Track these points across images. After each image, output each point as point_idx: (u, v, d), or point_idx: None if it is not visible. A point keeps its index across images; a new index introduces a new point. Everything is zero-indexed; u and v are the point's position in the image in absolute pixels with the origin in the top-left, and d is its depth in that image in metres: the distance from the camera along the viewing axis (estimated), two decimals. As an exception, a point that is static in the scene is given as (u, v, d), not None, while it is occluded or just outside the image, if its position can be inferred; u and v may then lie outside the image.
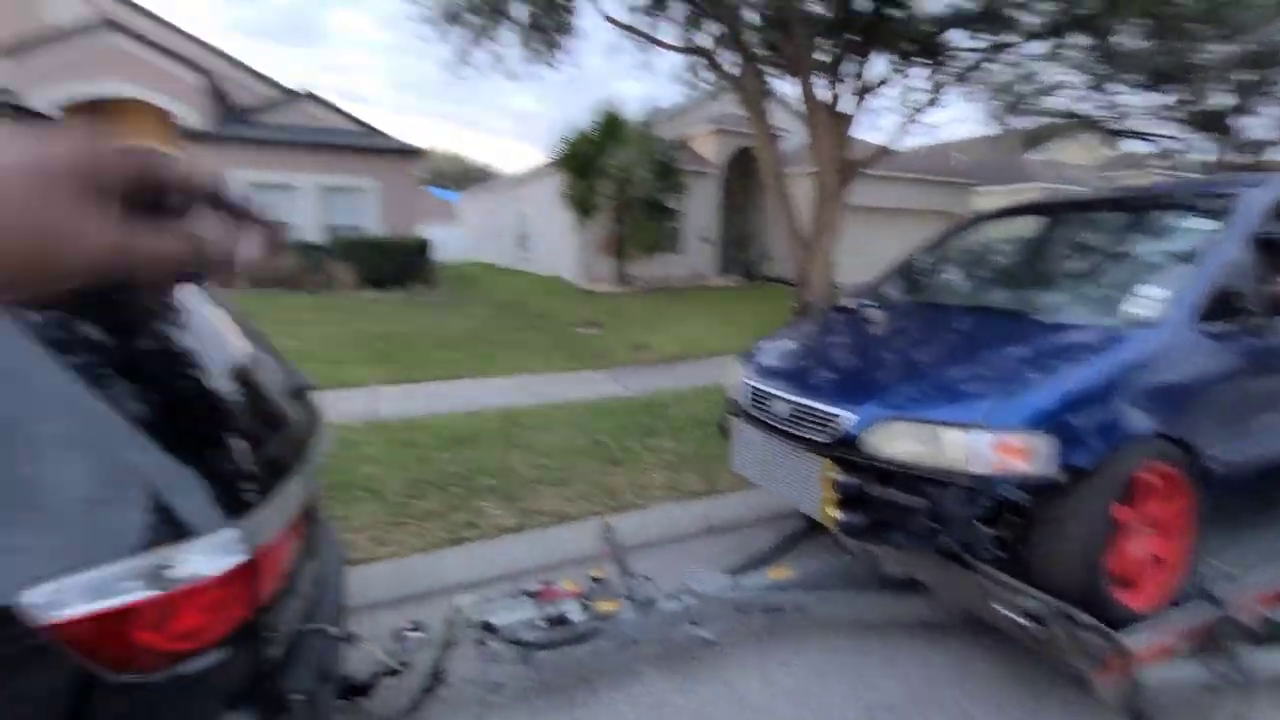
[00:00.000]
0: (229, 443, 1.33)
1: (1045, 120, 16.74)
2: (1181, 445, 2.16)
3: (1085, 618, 2.01)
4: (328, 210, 13.80)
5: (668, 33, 10.76)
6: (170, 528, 1.10)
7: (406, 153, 14.63)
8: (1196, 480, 2.20)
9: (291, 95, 14.69)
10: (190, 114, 12.45)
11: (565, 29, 10.53)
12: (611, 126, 13.40)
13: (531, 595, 2.31)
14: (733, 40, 9.37)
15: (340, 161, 13.71)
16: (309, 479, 1.84)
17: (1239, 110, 14.15)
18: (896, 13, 9.11)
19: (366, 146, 14.08)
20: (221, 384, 1.46)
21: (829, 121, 9.30)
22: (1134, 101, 15.57)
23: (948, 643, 2.67)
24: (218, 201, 0.37)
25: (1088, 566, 2.00)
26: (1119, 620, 2.07)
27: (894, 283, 3.39)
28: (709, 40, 10.52)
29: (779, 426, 2.57)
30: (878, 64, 9.85)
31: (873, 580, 2.81)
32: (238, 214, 0.38)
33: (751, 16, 9.35)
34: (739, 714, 2.29)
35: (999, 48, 9.87)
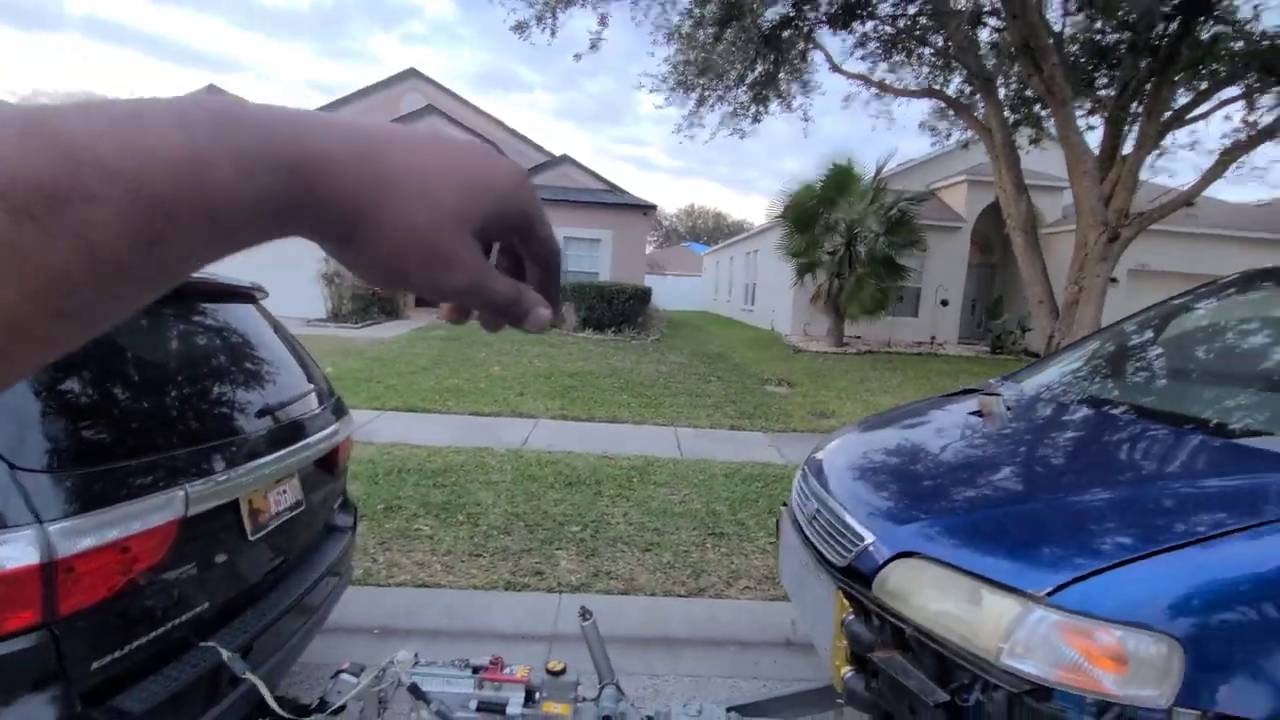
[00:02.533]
0: (79, 447, 1.39)
1: None
2: None
3: None
4: (569, 257, 15.44)
5: (907, 78, 9.92)
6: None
7: (639, 208, 15.75)
8: None
9: (553, 158, 16.92)
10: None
11: (798, 78, 10.34)
12: (839, 178, 12.70)
13: (475, 670, 2.08)
14: (971, 76, 8.22)
15: (582, 215, 15.29)
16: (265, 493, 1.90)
17: None
18: (1212, 30, 7.09)
19: (605, 202, 15.50)
20: (112, 395, 1.56)
21: (1094, 166, 7.53)
22: None
23: None
24: (549, 267, 0.40)
25: None
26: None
27: (1063, 366, 2.40)
28: (950, 81, 9.42)
29: (807, 535, 1.96)
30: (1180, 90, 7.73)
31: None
32: (551, 282, 0.40)
33: (984, 47, 8.10)
34: None
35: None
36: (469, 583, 3.37)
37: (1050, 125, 8.91)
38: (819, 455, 2.29)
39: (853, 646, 1.59)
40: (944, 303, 15.34)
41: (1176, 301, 2.47)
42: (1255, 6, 7.07)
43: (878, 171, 13.02)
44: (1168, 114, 7.64)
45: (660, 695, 2.74)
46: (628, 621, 3.17)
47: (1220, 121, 7.90)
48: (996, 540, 1.41)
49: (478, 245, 0.34)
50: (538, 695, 2.02)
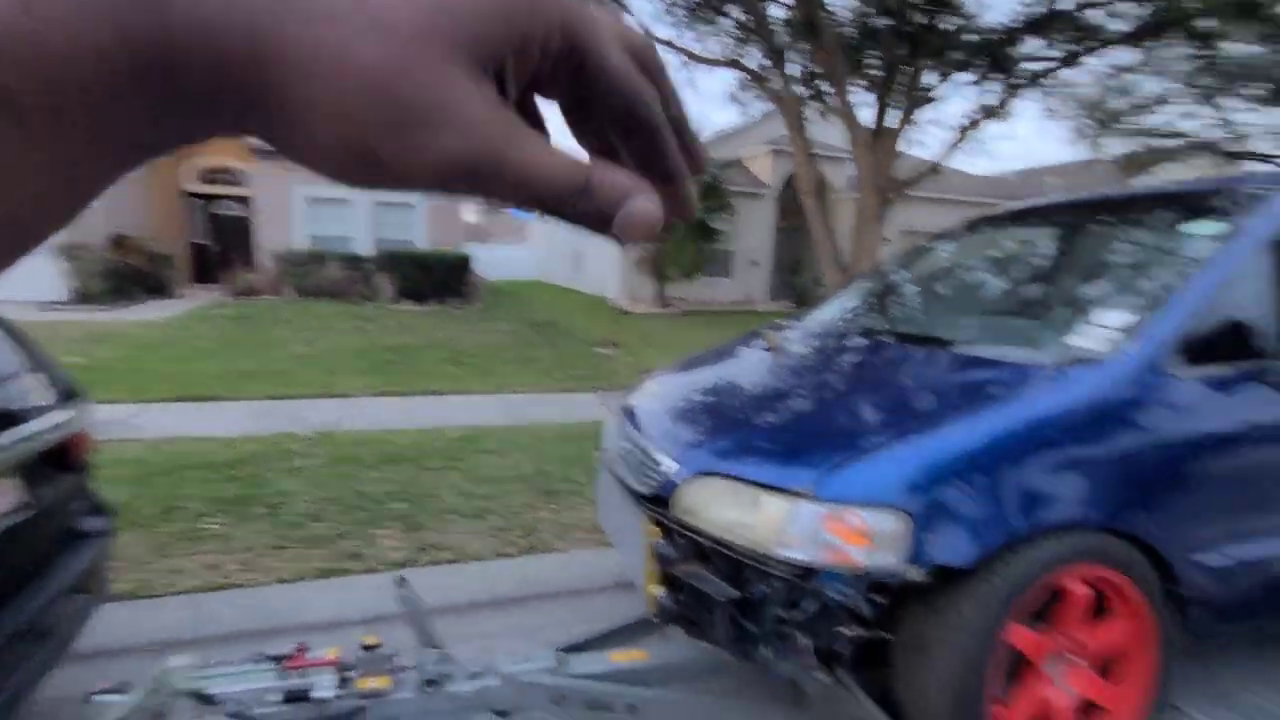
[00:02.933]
0: None
1: (1147, 141, 15.06)
2: (1138, 545, 1.48)
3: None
4: (379, 224, 14.24)
5: (714, 48, 10.41)
6: None
7: (456, 170, 14.89)
8: (1161, 596, 1.50)
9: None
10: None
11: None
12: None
13: (275, 660, 1.90)
14: (766, 51, 8.87)
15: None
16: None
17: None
18: (950, 22, 8.34)
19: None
20: None
21: (868, 138, 8.57)
22: (1254, 120, 13.69)
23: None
24: (640, 122, 0.25)
25: (959, 710, 1.37)
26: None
27: (835, 304, 2.77)
28: (752, 54, 10.07)
29: (617, 472, 2.05)
30: (931, 75, 9.03)
31: (751, 679, 2.22)
32: (650, 148, 0.25)
33: (777, 24, 8.81)
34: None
35: (1073, 56, 8.82)
36: (274, 577, 3.05)
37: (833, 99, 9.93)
38: (628, 400, 2.39)
39: (661, 567, 1.69)
40: (754, 263, 16.68)
41: (919, 246, 2.93)
42: (981, 4, 8.45)
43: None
44: (920, 93, 8.90)
45: (491, 654, 2.74)
46: (459, 589, 3.10)
47: (958, 102, 9.41)
48: (771, 451, 1.58)
49: (488, 86, 0.22)
50: (352, 674, 1.90)
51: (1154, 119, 14.23)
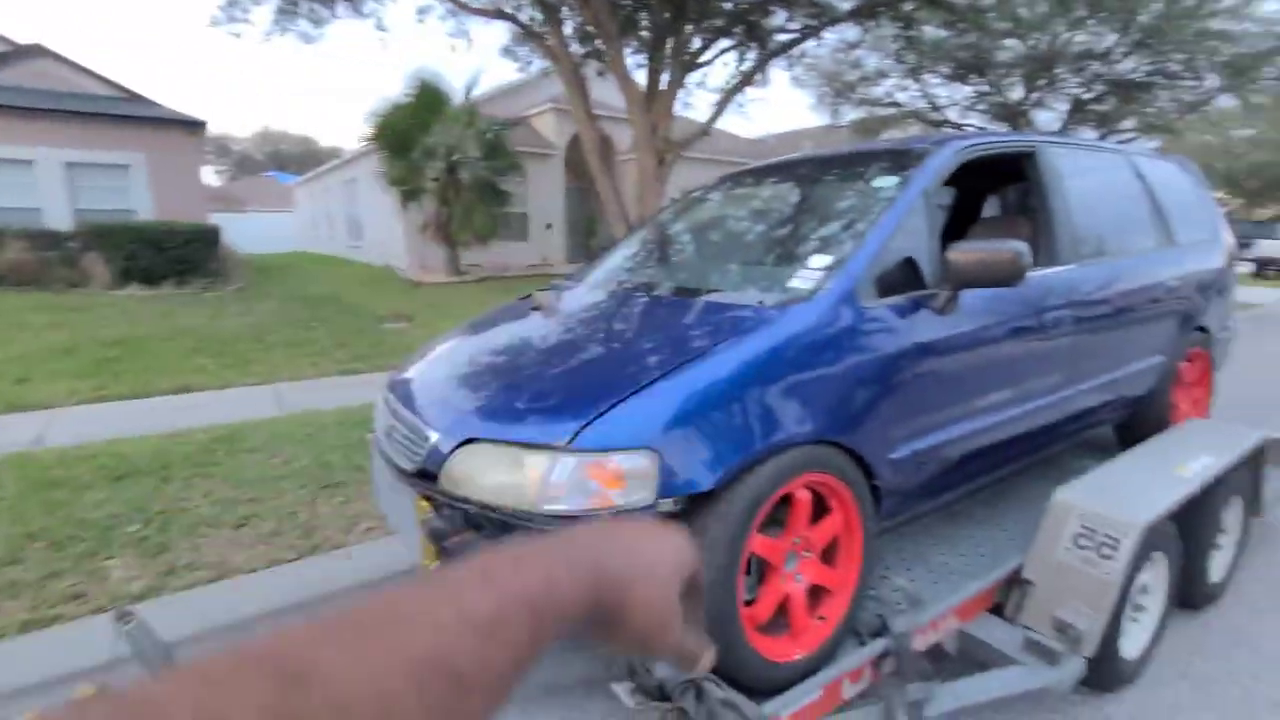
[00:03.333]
0: None
1: (873, 110, 17.64)
2: (844, 450, 1.77)
3: (714, 689, 1.55)
4: (77, 191, 11.47)
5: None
6: None
7: (180, 124, 12.48)
8: (865, 490, 1.82)
9: (17, 49, 12.01)
10: None
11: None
12: (428, 99, 12.21)
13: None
14: (539, 4, 8.64)
15: (91, 133, 11.39)
16: None
17: (1035, 103, 15.53)
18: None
19: (126, 115, 11.81)
20: None
21: (642, 99, 8.86)
22: (945, 93, 16.74)
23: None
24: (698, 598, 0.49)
25: (719, 617, 1.54)
26: (769, 680, 1.65)
27: (601, 262, 2.87)
28: (521, 6, 9.73)
29: (385, 450, 1.93)
30: (697, 40, 9.53)
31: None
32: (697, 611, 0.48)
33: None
34: None
35: (811, 30, 9.91)
36: (-52, 646, 2.41)
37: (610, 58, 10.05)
38: (394, 375, 2.24)
39: (433, 543, 1.63)
40: (548, 226, 16.59)
41: (675, 204, 3.12)
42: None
43: (467, 93, 12.92)
44: (687, 57, 9.37)
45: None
46: (222, 610, 2.73)
47: (721, 67, 10.11)
48: (532, 411, 1.59)
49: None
50: None
51: (877, 90, 16.75)
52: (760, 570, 1.68)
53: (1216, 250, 3.45)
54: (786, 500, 1.69)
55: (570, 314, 2.20)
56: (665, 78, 9.31)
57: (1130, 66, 13.54)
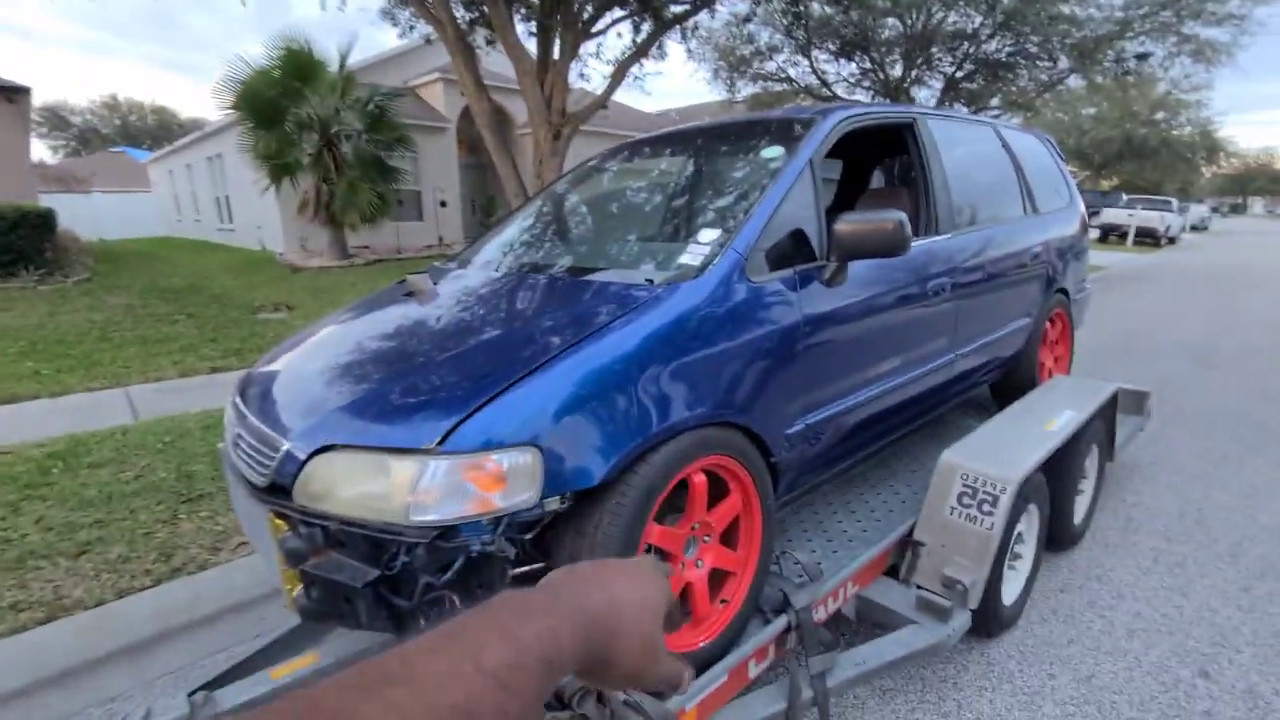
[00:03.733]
0: None
1: (767, 85, 17.97)
2: (740, 429, 1.73)
3: (618, 692, 1.46)
4: None
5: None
6: None
7: (-4, 90, 10.70)
8: (763, 468, 1.79)
9: None
10: None
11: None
12: (299, 64, 11.13)
13: None
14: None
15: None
16: None
17: (914, 80, 16.37)
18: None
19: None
20: None
21: (534, 69, 8.50)
22: (833, 70, 17.32)
23: None
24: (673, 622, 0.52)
25: (615, 617, 1.45)
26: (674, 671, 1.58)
27: (486, 240, 2.67)
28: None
29: (235, 461, 1.68)
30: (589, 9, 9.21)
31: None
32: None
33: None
34: None
35: (703, 1, 9.85)
36: None
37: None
38: (245, 375, 1.97)
39: (292, 565, 1.43)
40: (443, 204, 15.78)
41: (559, 180, 2.95)
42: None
43: (343, 60, 11.91)
44: (580, 25, 9.06)
45: (117, 716, 2.16)
46: (59, 655, 2.36)
47: (616, 39, 9.87)
48: (398, 411, 1.42)
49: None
50: None
51: (770, 65, 17.06)
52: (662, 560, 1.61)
53: (1073, 217, 3.73)
54: (683, 486, 1.62)
55: (446, 299, 2.00)
56: (558, 48, 8.97)
57: (995, 47, 14.55)
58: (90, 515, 3.17)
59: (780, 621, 1.79)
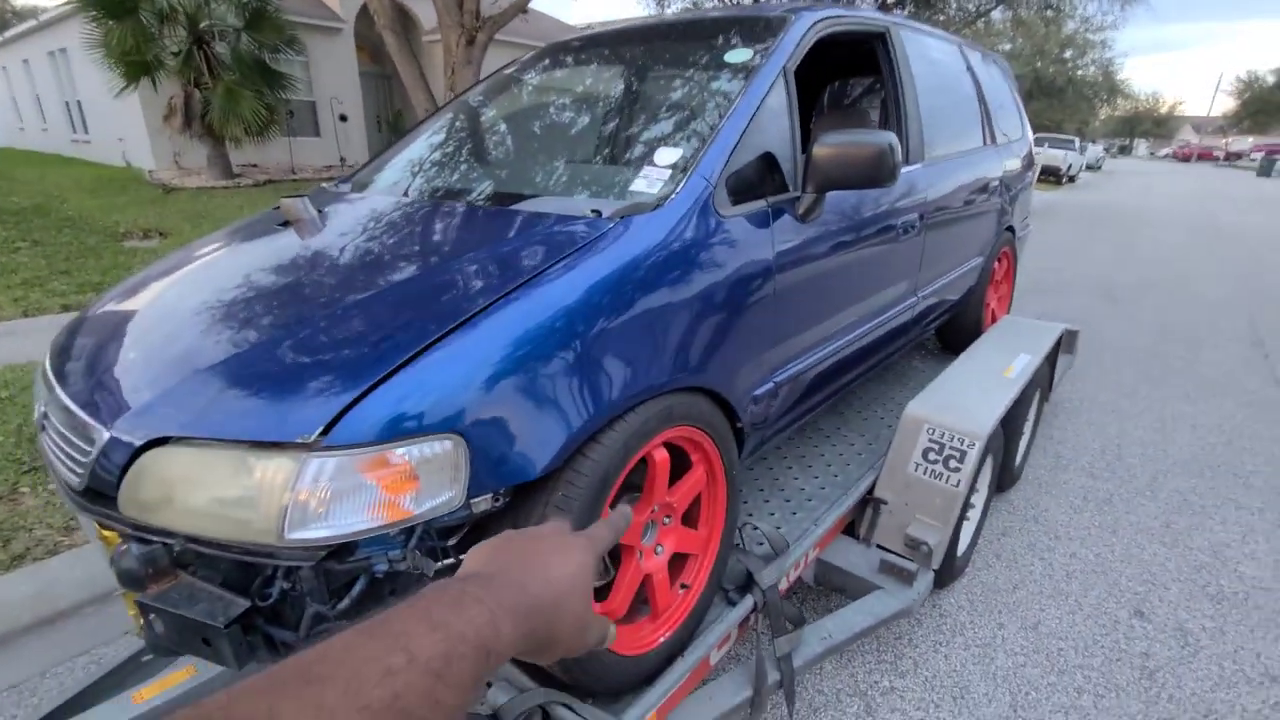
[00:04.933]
0: None
1: (700, 0, 16.97)
2: (704, 393, 1.46)
3: (564, 710, 1.22)
4: None
5: None
6: None
7: None
8: (729, 434, 1.54)
9: None
10: None
11: None
12: (153, -59, 9.33)
13: None
14: None
15: None
16: None
17: (848, 3, 15.89)
18: None
19: None
20: None
21: (442, -41, 7.46)
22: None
23: None
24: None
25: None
26: (625, 679, 1.36)
27: (388, 160, 2.16)
28: None
29: (44, 449, 1.26)
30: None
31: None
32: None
33: None
34: None
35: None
36: None
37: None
38: (60, 336, 1.49)
39: (128, 588, 1.06)
40: (343, 118, 14.18)
41: (481, 86, 2.46)
42: None
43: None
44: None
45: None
46: None
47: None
48: (261, 390, 1.04)
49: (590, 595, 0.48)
50: None
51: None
52: (613, 553, 1.35)
53: (1024, 151, 3.60)
54: (641, 464, 1.35)
55: (333, 233, 1.56)
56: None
57: (926, -29, 14.26)
58: (-103, 494, 2.58)
59: (746, 603, 1.60)
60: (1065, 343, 3.62)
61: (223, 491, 0.99)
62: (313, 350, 1.08)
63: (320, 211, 1.69)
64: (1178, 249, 9.92)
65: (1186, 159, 52.82)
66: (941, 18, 15.67)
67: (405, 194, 1.80)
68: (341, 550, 1.00)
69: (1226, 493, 3.05)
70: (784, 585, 1.75)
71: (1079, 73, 33.15)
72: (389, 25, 8.07)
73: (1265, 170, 31.42)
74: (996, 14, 16.36)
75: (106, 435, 1.06)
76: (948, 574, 2.24)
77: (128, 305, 1.44)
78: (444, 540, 1.10)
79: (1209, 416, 3.86)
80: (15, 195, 9.77)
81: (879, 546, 2.03)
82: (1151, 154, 70.46)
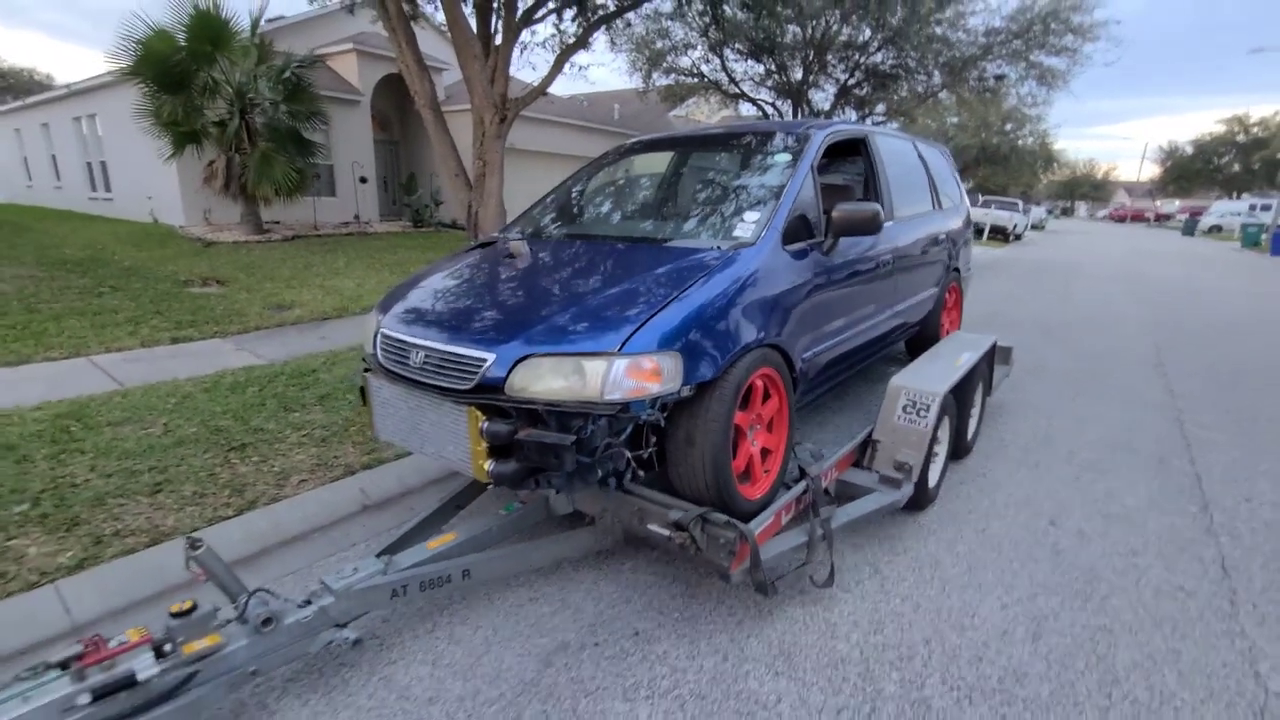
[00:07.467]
0: None
1: (680, 78, 18.88)
2: (779, 350, 2.50)
3: (719, 517, 2.20)
4: None
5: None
6: None
7: None
8: (790, 379, 2.58)
9: None
10: None
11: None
12: (207, 26, 10.56)
13: (62, 666, 1.60)
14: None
15: None
16: None
17: (811, 84, 17.93)
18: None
19: None
20: None
21: (480, 52, 8.78)
22: (740, 69, 18.55)
23: (616, 566, 2.77)
24: None
25: (717, 471, 2.18)
26: (745, 513, 2.34)
27: (540, 217, 3.27)
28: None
29: (419, 379, 2.23)
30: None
31: (540, 525, 2.74)
32: None
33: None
34: (401, 713, 1.98)
35: (631, 4, 10.48)
36: None
37: (431, 7, 9.68)
38: (394, 314, 2.48)
39: (493, 443, 2.04)
40: (363, 180, 15.36)
41: (587, 167, 3.59)
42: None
43: (254, 24, 11.41)
44: (520, 13, 9.40)
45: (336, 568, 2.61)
46: (177, 567, 2.72)
47: (548, 28, 10.21)
48: (575, 332, 2.06)
49: None
50: (169, 646, 1.76)
51: (684, 61, 17.99)
52: (736, 436, 2.35)
53: (963, 213, 4.86)
54: (750, 388, 2.37)
55: (557, 257, 2.63)
56: (499, 36, 9.27)
57: (881, 59, 16.36)
58: (142, 463, 3.42)
59: (801, 485, 2.59)
60: (1001, 355, 4.77)
61: (568, 381, 1.98)
62: (599, 310, 2.11)
63: (523, 247, 2.76)
64: (1107, 295, 11.47)
65: (1122, 220, 57.02)
66: (895, 98, 17.77)
67: (578, 236, 2.88)
68: (625, 407, 1.99)
69: (1122, 461, 4.15)
70: (821, 485, 2.75)
71: (1020, 142, 36.55)
72: (428, 104, 9.29)
73: (1189, 230, 34.71)
74: (943, 95, 18.55)
75: (492, 357, 2.05)
76: (924, 499, 3.25)
77: (433, 293, 2.46)
78: (662, 411, 2.10)
79: (1115, 414, 5.02)
80: (64, 248, 10.56)
81: (877, 471, 3.05)
82: (1091, 215, 75.98)
